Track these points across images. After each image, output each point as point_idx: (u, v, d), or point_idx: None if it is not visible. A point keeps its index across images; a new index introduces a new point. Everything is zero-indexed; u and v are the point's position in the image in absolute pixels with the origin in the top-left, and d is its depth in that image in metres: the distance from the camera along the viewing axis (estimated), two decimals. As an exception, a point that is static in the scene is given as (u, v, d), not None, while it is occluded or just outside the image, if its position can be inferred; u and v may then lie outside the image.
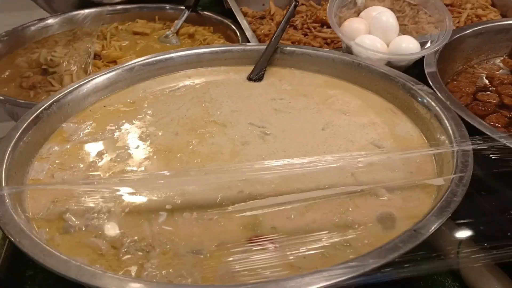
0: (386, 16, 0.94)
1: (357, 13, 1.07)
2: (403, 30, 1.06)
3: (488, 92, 0.92)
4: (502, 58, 1.05)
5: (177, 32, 1.37)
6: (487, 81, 0.97)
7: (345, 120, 0.81)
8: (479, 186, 0.76)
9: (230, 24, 1.29)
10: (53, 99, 0.79)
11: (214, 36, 1.34)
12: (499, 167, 0.68)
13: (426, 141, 0.75)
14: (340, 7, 1.05)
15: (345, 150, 0.74)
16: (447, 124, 0.70)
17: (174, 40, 1.34)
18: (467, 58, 1.02)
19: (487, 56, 1.05)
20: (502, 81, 0.96)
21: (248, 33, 1.13)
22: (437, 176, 0.67)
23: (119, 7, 1.45)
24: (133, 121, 0.82)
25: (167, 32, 1.36)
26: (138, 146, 0.76)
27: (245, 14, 1.31)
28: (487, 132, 0.68)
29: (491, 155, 0.65)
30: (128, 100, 0.88)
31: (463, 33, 0.99)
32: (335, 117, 0.82)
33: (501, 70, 1.02)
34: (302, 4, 1.34)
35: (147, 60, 0.93)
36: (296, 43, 1.10)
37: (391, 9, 1.06)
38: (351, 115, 0.83)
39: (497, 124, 0.83)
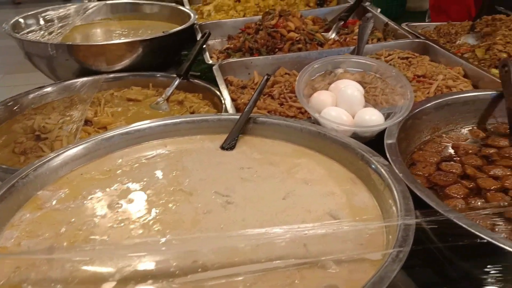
0: (351, 90, 0.99)
1: (330, 84, 1.13)
2: (374, 101, 1.11)
3: (452, 162, 0.95)
4: (470, 128, 1.09)
5: (168, 99, 1.44)
6: (452, 151, 1.00)
7: (306, 189, 0.85)
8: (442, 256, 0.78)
9: (216, 91, 1.36)
10: (30, 169, 0.84)
11: (201, 103, 1.41)
12: (445, 241, 0.70)
13: (380, 213, 0.77)
14: (315, 77, 1.11)
15: (301, 220, 0.77)
16: (397, 197, 0.73)
17: (164, 106, 1.42)
18: (434, 127, 1.06)
19: (455, 125, 1.08)
20: (467, 151, 0.99)
21: (228, 103, 1.19)
22: (385, 249, 0.69)
23: (116, 75, 1.54)
24: (106, 189, 0.86)
25: (158, 99, 1.44)
26: (104, 214, 0.79)
27: (230, 83, 1.39)
28: (433, 206, 0.70)
29: (435, 229, 0.67)
30: (105, 168, 0.93)
31: (428, 104, 1.04)
32: (297, 186, 0.85)
33: (468, 140, 1.05)
34: (286, 74, 1.41)
35: (126, 130, 0.99)
36: (272, 112, 1.16)
37: (361, 81, 1.12)
38: (313, 184, 0.86)
39: (456, 195, 0.86)
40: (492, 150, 0.99)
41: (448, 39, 1.65)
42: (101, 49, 1.53)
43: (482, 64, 1.35)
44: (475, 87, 1.25)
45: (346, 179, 0.87)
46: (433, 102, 1.05)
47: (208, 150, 0.99)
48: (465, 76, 1.30)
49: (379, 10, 2.60)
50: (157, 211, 0.80)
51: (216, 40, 1.83)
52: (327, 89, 1.09)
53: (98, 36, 1.92)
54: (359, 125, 0.96)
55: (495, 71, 1.30)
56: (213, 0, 2.06)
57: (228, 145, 0.98)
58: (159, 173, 0.91)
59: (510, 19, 1.48)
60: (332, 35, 1.70)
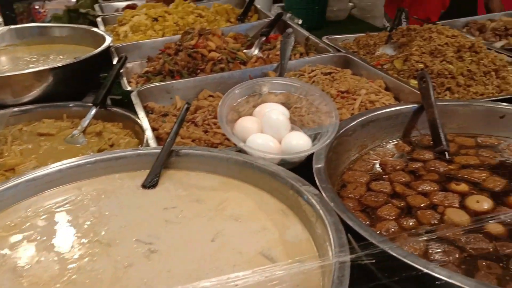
0: (276, 115, 0.96)
1: (255, 106, 1.09)
2: (300, 122, 1.08)
3: (381, 181, 0.94)
4: (396, 142, 1.09)
5: (84, 131, 1.33)
6: (380, 169, 0.99)
7: (236, 227, 0.79)
8: None
9: (137, 119, 1.27)
10: None
11: (121, 133, 1.31)
12: (384, 273, 0.67)
13: (314, 247, 0.74)
14: (237, 102, 1.06)
15: (232, 264, 0.71)
16: (329, 230, 0.69)
17: (80, 139, 1.30)
18: (362, 145, 1.05)
19: (381, 141, 1.08)
20: (394, 167, 0.98)
21: (148, 133, 1.12)
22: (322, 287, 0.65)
23: (24, 107, 1.41)
24: (9, 250, 0.76)
25: (74, 132, 1.32)
26: (8, 280, 0.69)
27: (151, 110, 1.31)
28: (367, 237, 0.67)
29: (372, 261, 0.64)
30: (8, 223, 0.82)
31: (353, 123, 1.02)
32: (227, 225, 0.80)
33: (395, 155, 1.05)
34: (210, 96, 1.35)
35: (33, 176, 0.89)
36: (197, 141, 1.09)
37: (286, 102, 1.09)
38: (243, 220, 0.81)
39: (388, 217, 0.84)
40: (418, 164, 1.00)
41: (367, 50, 1.68)
42: (5, 81, 1.40)
43: (402, 75, 1.38)
44: (397, 99, 1.27)
45: (277, 211, 0.83)
46: (358, 120, 1.04)
47: (128, 190, 0.91)
48: (387, 88, 1.31)
49: (300, 21, 2.64)
50: (71, 270, 0.71)
51: (135, 63, 1.73)
52: (252, 113, 1.05)
53: (3, 64, 1.76)
54: (286, 151, 0.92)
55: (415, 81, 1.33)
56: (129, 20, 1.96)
57: (150, 183, 0.91)
58: (72, 223, 0.81)
59: (424, 29, 1.53)
60: (254, 51, 1.67)
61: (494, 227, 0.79)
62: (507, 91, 1.27)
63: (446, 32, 1.43)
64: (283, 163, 0.91)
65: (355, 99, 1.19)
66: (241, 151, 0.95)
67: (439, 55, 1.35)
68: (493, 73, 1.31)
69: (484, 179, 0.93)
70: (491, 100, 1.17)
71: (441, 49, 1.35)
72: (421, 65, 1.35)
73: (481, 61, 1.32)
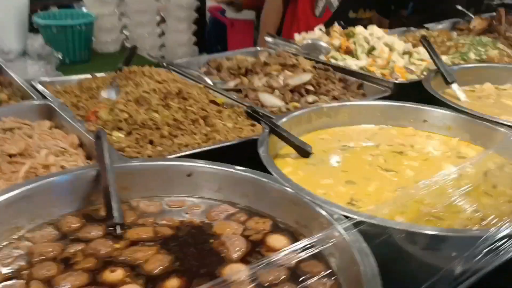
0: None
1: None
2: None
3: (14, 280, 0.73)
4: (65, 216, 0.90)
5: None
6: (25, 261, 0.79)
7: None
8: None
9: None
10: None
11: None
12: None
13: None
14: None
15: None
16: None
17: None
18: (14, 228, 0.84)
19: (45, 218, 0.88)
20: (45, 256, 0.79)
21: None
22: None
23: None
24: None
25: None
26: None
27: None
28: None
29: None
30: None
31: None
32: None
33: (58, 236, 0.85)
34: None
35: None
36: None
37: None
38: None
39: None
40: (79, 247, 0.82)
41: (90, 94, 1.49)
42: None
43: (106, 127, 1.21)
44: (89, 158, 1.10)
45: None
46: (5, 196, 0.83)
47: None
48: (82, 144, 1.13)
49: (60, 55, 2.39)
50: None
51: None
52: None
53: None
54: None
55: (118, 134, 1.18)
56: None
57: None
58: None
59: (143, 71, 1.40)
60: None
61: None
62: (213, 139, 1.19)
63: (157, 76, 1.32)
64: None
65: (23, 164, 0.98)
66: None
67: (144, 103, 1.22)
68: (201, 121, 1.23)
69: (147, 259, 0.80)
70: (181, 156, 1.07)
71: (146, 96, 1.23)
72: (126, 115, 1.20)
73: (189, 108, 1.24)
